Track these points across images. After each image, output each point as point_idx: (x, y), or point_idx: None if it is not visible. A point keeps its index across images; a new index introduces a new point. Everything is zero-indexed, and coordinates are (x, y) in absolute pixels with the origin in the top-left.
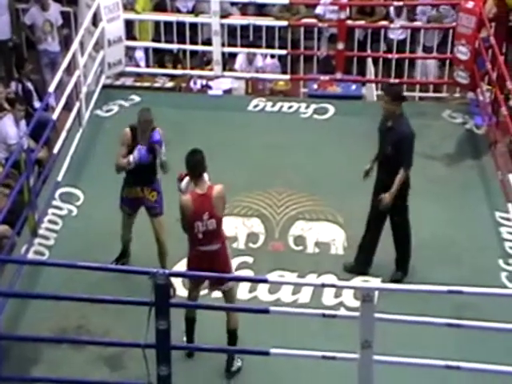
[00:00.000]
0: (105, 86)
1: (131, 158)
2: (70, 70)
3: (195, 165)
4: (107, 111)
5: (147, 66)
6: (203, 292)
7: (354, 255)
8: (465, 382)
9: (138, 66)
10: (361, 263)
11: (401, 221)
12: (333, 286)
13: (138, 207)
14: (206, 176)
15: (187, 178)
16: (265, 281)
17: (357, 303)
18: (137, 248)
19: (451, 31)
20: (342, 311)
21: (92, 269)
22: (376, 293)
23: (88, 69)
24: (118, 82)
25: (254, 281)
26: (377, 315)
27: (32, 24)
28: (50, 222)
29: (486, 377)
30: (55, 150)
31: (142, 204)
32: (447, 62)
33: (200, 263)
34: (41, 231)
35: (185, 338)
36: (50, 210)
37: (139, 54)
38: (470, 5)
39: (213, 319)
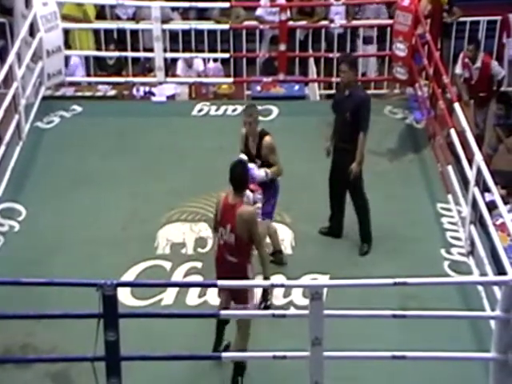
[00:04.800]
0: (45, 98)
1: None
2: (7, 83)
3: (234, 177)
4: (48, 123)
5: (88, 74)
6: None
7: (304, 253)
8: (412, 370)
9: (73, 74)
10: (334, 228)
11: (357, 191)
12: (282, 285)
13: None
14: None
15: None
16: (214, 285)
17: (306, 301)
18: None
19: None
20: (292, 310)
21: (36, 284)
22: (325, 290)
23: (26, 80)
24: (59, 93)
25: (204, 286)
26: (326, 312)
27: None
28: None
29: (431, 364)
30: None
31: None
32: (386, 58)
33: (219, 268)
34: None
35: None
36: None
37: (74, 60)
38: (406, 3)
39: None
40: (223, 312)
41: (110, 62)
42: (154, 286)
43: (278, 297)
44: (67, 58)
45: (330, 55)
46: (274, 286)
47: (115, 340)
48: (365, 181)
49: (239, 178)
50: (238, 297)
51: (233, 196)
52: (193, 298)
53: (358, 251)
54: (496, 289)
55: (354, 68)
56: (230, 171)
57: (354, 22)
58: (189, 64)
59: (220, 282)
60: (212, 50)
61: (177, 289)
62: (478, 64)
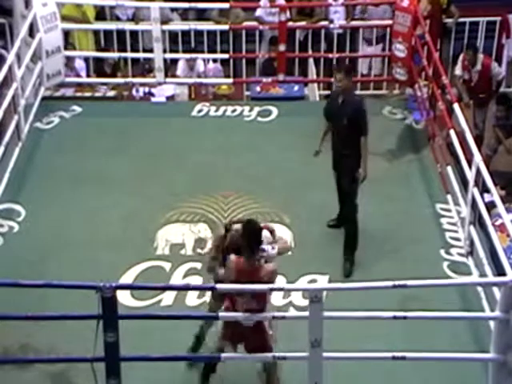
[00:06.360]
0: (44, 98)
1: None
2: (6, 83)
3: (250, 236)
4: (47, 123)
5: (88, 75)
6: None
7: (303, 253)
8: (412, 370)
9: (78, 75)
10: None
11: (350, 198)
12: (281, 289)
13: None
14: (266, 246)
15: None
16: (213, 288)
17: (306, 302)
18: None
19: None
20: (292, 311)
21: (36, 286)
22: (324, 292)
23: (26, 81)
24: (58, 94)
25: (203, 289)
26: (325, 313)
27: None
28: None
29: (430, 364)
30: None
31: None
32: (386, 59)
33: (235, 329)
34: None
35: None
36: None
37: (80, 64)
38: (405, 3)
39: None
40: (222, 314)
41: (108, 70)
42: (153, 290)
43: (277, 298)
44: (72, 60)
45: (330, 56)
46: (272, 289)
47: (115, 341)
48: (364, 181)
49: (256, 237)
50: (260, 346)
51: (246, 260)
52: (192, 298)
53: (343, 271)
54: (495, 289)
55: (350, 75)
56: (245, 231)
57: (354, 23)
58: (190, 66)
59: (219, 286)
60: (211, 50)
61: None
62: (478, 67)
